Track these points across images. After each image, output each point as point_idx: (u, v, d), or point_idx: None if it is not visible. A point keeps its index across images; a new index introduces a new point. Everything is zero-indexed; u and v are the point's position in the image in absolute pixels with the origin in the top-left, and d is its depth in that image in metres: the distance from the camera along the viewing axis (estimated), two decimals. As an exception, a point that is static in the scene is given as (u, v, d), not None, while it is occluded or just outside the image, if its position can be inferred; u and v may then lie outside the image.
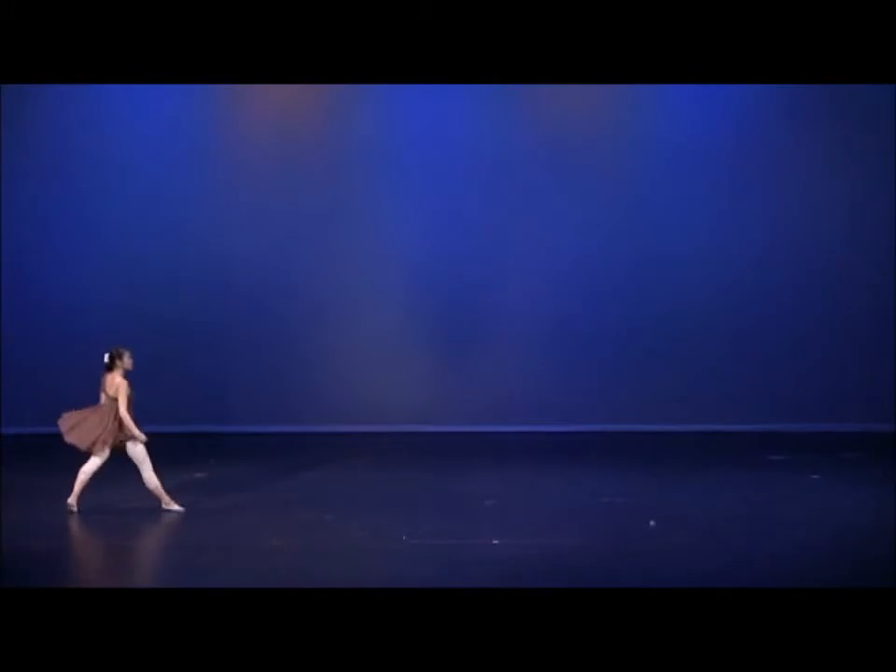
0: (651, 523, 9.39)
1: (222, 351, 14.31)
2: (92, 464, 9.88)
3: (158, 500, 9.97)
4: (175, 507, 9.96)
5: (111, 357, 9.94)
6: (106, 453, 9.86)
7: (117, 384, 9.85)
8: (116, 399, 9.81)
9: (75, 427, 9.85)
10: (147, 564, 8.75)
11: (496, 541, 8.81)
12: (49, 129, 14.97)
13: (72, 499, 9.91)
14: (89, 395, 14.37)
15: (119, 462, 9.93)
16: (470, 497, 10.63)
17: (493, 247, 15.19)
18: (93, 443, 9.81)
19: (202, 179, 15.17)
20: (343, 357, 15.00)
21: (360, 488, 11.27)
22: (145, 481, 9.91)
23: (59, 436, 9.78)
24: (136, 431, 9.79)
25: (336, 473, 12.10)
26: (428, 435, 14.66)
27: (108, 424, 9.81)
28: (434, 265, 15.16)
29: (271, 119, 15.19)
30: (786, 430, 14.65)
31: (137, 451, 9.87)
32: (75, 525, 9.51)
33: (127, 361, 9.96)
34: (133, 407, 9.84)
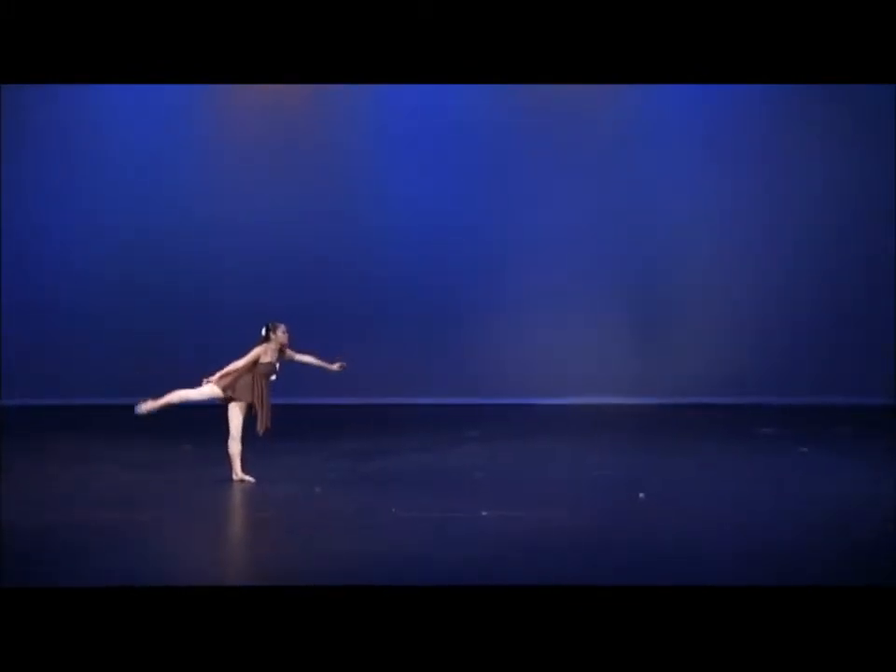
0: (641, 495, 9.45)
1: (217, 332, 14.31)
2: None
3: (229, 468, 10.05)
4: (248, 478, 10.02)
5: (266, 330, 10.05)
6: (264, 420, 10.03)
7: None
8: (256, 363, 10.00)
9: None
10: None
11: (484, 513, 8.87)
12: (46, 106, 15.02)
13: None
14: (88, 368, 14.76)
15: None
16: (460, 470, 10.69)
17: (489, 230, 15.27)
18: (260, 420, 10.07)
19: (200, 165, 15.25)
20: (331, 335, 15.08)
21: (348, 460, 11.25)
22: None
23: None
24: (212, 383, 9.95)
25: (322, 445, 12.07)
26: (415, 407, 14.70)
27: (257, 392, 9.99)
28: (426, 251, 15.22)
29: (269, 107, 15.21)
30: (777, 403, 14.69)
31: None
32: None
33: (281, 335, 10.04)
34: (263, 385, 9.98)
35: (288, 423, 13.02)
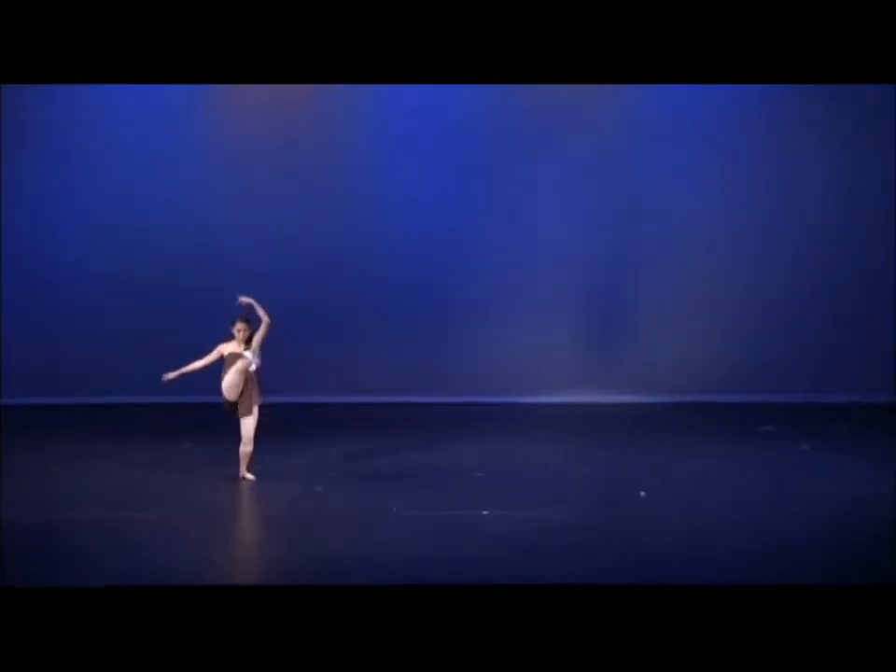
0: (642, 494, 9.46)
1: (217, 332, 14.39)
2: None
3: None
4: (250, 476, 10.17)
5: None
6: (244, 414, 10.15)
7: None
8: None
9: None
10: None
11: (485, 512, 8.88)
12: (46, 106, 15.03)
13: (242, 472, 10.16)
14: (88, 367, 14.83)
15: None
16: (460, 469, 10.72)
17: (489, 230, 15.28)
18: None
19: (199, 165, 15.26)
20: (331, 333, 15.08)
21: (348, 460, 11.27)
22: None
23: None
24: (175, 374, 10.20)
25: (322, 445, 12.09)
26: (415, 406, 14.71)
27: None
28: (426, 251, 15.22)
29: (269, 107, 15.21)
30: (777, 401, 14.70)
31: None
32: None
33: (234, 331, 10.24)
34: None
35: (289, 422, 13.08)
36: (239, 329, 10.23)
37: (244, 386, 10.11)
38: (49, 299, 15.15)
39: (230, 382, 10.07)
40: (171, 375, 10.18)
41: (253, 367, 10.18)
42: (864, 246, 15.11)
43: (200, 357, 10.31)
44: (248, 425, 10.13)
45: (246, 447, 10.13)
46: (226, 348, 10.26)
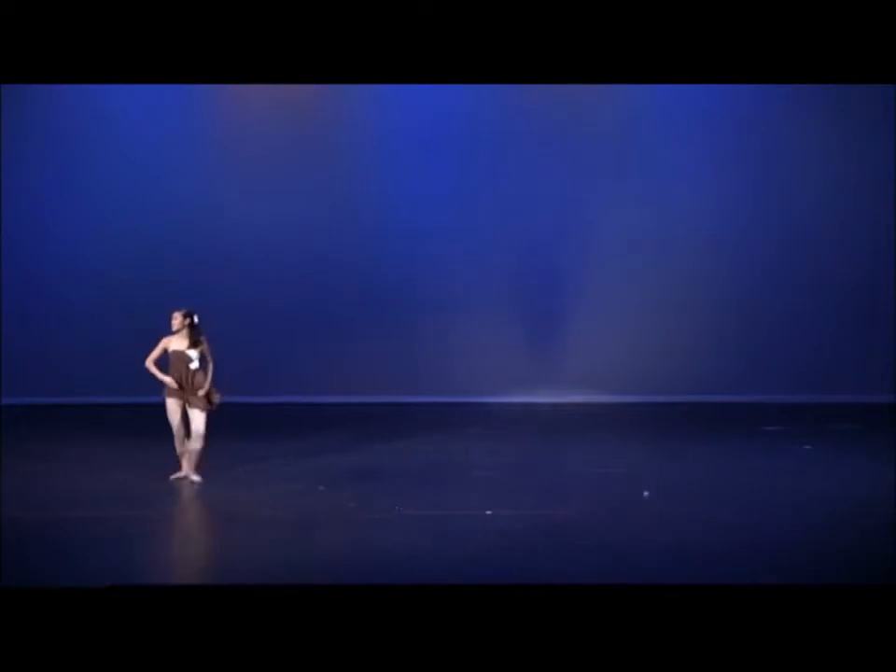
0: (645, 493, 9.46)
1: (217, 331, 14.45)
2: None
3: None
4: (195, 477, 10.05)
5: None
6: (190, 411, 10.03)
7: None
8: None
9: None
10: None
11: (489, 512, 8.89)
12: (45, 106, 15.06)
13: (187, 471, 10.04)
14: (89, 366, 14.85)
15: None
16: (461, 468, 10.73)
17: (488, 230, 15.31)
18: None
19: (201, 165, 15.28)
20: (324, 330, 15.10)
21: (350, 458, 11.28)
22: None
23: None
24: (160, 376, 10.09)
25: (325, 443, 12.11)
26: (411, 406, 14.74)
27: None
28: (425, 251, 15.26)
29: (269, 107, 15.24)
30: (781, 401, 14.73)
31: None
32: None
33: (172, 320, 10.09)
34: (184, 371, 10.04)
35: (288, 422, 13.08)
36: (174, 316, 10.03)
37: (185, 378, 9.98)
38: (48, 299, 15.17)
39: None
40: (167, 380, 10.05)
41: (194, 365, 10.03)
42: (864, 246, 15.13)
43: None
44: (199, 419, 9.94)
45: (196, 444, 9.94)
46: (169, 342, 10.07)
